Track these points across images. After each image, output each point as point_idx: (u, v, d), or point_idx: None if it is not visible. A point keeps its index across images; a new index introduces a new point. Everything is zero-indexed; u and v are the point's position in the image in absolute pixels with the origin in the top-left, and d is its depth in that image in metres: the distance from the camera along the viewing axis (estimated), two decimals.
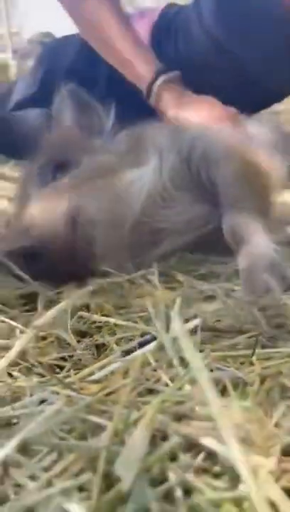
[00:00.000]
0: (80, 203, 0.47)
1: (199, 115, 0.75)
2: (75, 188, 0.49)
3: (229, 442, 0.19)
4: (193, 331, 0.32)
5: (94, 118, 0.60)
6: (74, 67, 1.15)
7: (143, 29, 1.28)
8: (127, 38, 0.94)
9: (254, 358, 0.28)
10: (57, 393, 0.28)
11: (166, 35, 1.24)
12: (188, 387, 0.25)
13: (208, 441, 0.19)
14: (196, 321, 0.30)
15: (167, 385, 0.26)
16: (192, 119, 0.76)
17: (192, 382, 0.25)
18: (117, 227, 0.48)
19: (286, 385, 0.24)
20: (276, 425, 0.21)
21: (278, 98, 1.33)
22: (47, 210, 0.45)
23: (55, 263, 0.42)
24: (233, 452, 0.18)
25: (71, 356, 0.35)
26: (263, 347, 0.32)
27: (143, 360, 0.27)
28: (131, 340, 0.36)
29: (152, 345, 0.29)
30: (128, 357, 0.29)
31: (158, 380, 0.27)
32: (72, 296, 0.39)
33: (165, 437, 0.21)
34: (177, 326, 0.29)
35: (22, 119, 1.36)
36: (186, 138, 0.59)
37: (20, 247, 0.42)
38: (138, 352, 0.29)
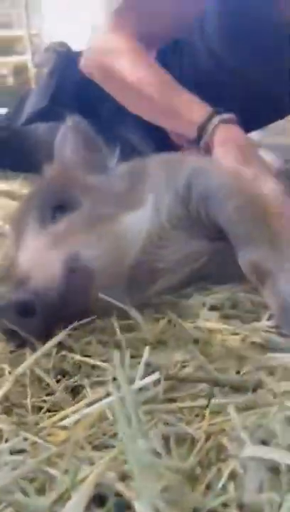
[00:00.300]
0: (78, 252, 0.47)
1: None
2: (74, 235, 0.49)
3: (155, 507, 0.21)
4: (157, 381, 0.35)
5: (98, 154, 0.61)
6: (85, 83, 1.17)
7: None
8: (171, 91, 0.92)
9: (207, 411, 0.31)
10: (26, 439, 0.31)
11: (172, 51, 1.26)
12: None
13: (138, 506, 0.22)
14: (156, 375, 0.32)
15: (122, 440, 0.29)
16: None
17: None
18: (115, 272, 0.49)
19: (224, 445, 0.26)
20: (208, 487, 0.24)
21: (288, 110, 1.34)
22: (44, 261, 0.46)
23: (48, 316, 0.42)
24: None
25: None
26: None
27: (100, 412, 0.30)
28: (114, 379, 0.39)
29: (110, 399, 0.32)
30: (86, 410, 0.32)
31: (114, 435, 0.29)
32: (55, 338, 0.42)
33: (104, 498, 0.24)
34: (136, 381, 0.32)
35: (32, 133, 1.41)
36: (183, 176, 0.60)
37: (14, 301, 0.41)
38: (97, 405, 0.32)
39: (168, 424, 0.30)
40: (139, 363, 0.37)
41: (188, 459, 0.25)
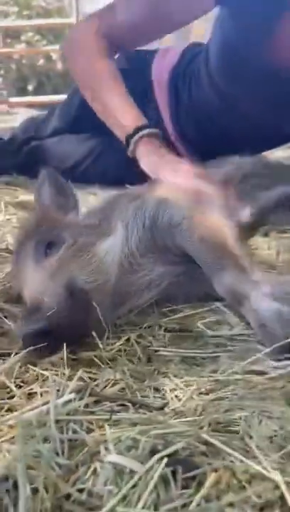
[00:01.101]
0: (73, 278, 0.58)
1: (175, 176, 0.87)
2: (66, 265, 0.60)
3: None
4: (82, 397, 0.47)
5: (68, 197, 0.74)
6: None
7: (164, 69, 1.39)
8: (115, 90, 1.05)
9: (107, 425, 0.42)
10: None
11: (182, 80, 1.35)
12: None
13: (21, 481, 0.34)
14: (72, 394, 0.44)
15: None
16: (168, 178, 0.87)
17: None
18: (103, 291, 0.60)
19: (99, 451, 0.38)
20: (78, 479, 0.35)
21: (286, 140, 1.42)
22: (48, 291, 0.56)
23: (61, 335, 0.53)
24: None
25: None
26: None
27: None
28: (58, 390, 0.51)
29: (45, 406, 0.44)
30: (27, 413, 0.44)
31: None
32: (17, 356, 0.54)
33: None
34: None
35: (57, 145, 1.54)
36: (148, 209, 0.70)
37: (38, 328, 0.52)
38: (34, 411, 0.44)
39: (75, 431, 0.41)
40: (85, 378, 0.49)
41: (72, 458, 0.37)
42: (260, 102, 1.17)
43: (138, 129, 0.97)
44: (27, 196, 1.33)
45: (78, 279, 0.58)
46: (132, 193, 0.76)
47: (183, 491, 0.34)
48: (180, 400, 0.49)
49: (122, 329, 0.64)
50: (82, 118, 1.46)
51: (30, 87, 13.91)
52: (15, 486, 0.34)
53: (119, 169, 1.48)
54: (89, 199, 1.33)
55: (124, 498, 0.33)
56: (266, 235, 1.05)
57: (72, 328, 0.55)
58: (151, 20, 1.05)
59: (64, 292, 0.55)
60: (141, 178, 1.47)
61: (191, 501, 0.33)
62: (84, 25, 1.13)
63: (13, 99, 8.14)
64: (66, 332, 0.54)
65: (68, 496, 0.34)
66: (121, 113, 1.01)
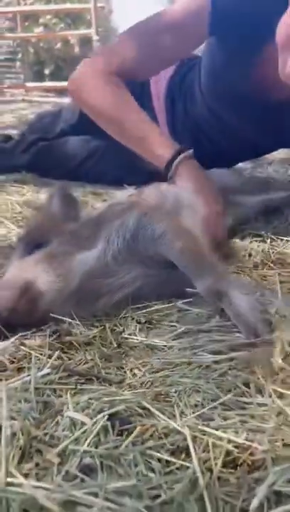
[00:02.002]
0: (34, 277, 0.72)
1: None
2: (36, 264, 0.75)
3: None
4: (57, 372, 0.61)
5: (73, 209, 0.87)
6: None
7: (161, 80, 1.50)
8: (140, 120, 1.11)
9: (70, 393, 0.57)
10: None
11: (178, 92, 1.47)
12: None
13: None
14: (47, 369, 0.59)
15: None
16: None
17: None
18: (62, 293, 0.74)
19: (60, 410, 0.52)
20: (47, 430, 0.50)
21: (268, 152, 1.56)
22: (11, 280, 0.72)
23: (5, 317, 0.68)
24: None
25: None
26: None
27: None
28: (38, 367, 0.65)
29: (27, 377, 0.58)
30: (13, 383, 0.59)
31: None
32: (12, 338, 0.69)
33: None
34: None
35: (63, 146, 1.67)
36: (131, 224, 0.83)
37: None
38: (19, 381, 0.58)
39: (48, 395, 0.56)
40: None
41: (43, 414, 0.52)
42: (244, 120, 1.29)
43: (176, 155, 1.03)
44: (34, 194, 1.47)
45: (40, 279, 0.72)
46: (119, 208, 0.89)
47: (118, 437, 0.49)
48: (135, 376, 0.63)
49: (99, 319, 0.79)
50: (85, 122, 1.59)
51: (46, 71, 13.88)
52: (0, 429, 0.49)
53: (120, 170, 1.61)
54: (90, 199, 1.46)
55: (76, 439, 0.48)
56: (243, 238, 1.18)
57: (18, 320, 0.70)
58: (155, 56, 1.13)
59: (16, 292, 0.70)
60: (139, 179, 1.61)
61: (122, 444, 0.48)
62: (93, 64, 1.16)
63: (30, 85, 8.23)
64: (13, 322, 0.69)
65: (36, 438, 0.48)
66: (152, 142, 1.06)
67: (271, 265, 1.04)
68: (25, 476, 0.44)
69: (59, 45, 11.93)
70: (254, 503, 0.41)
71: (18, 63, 10.64)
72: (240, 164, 1.77)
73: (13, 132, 1.94)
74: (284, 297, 0.78)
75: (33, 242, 0.80)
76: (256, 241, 1.15)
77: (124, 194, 1.19)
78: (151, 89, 1.52)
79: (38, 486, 0.43)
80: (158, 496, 0.43)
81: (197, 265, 0.78)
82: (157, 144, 1.08)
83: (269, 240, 1.15)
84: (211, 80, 1.28)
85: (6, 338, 0.68)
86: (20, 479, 0.43)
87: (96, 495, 0.42)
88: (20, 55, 10.29)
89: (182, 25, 1.11)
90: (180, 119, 1.49)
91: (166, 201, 0.97)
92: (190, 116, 1.44)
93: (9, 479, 0.43)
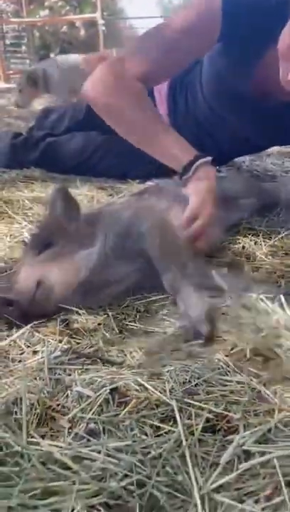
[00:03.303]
0: (46, 274, 0.83)
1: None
2: (47, 263, 0.85)
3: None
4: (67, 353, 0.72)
5: (73, 209, 0.96)
6: None
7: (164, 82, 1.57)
8: (160, 124, 1.16)
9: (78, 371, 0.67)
10: None
11: (179, 90, 1.54)
12: None
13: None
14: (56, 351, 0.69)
15: None
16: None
17: None
18: (69, 286, 0.85)
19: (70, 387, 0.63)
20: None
21: (266, 148, 1.64)
22: (27, 277, 0.82)
23: (24, 309, 0.79)
24: None
25: None
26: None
27: None
28: (51, 350, 0.76)
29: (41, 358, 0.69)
30: (29, 361, 0.69)
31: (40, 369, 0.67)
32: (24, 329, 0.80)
33: None
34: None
35: (70, 142, 1.76)
36: (124, 222, 0.94)
37: (5, 297, 0.80)
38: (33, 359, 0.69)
39: (59, 374, 0.67)
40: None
41: (55, 389, 0.62)
42: (243, 120, 1.37)
43: (194, 160, 1.08)
44: (42, 189, 1.57)
45: (50, 275, 0.82)
46: (115, 207, 0.98)
47: (117, 408, 0.59)
48: (133, 357, 0.74)
49: (104, 309, 0.89)
50: (91, 119, 1.66)
51: (52, 55, 13.77)
52: (21, 401, 0.60)
53: (123, 165, 1.70)
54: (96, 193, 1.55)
55: (82, 409, 0.59)
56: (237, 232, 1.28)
57: (34, 310, 0.80)
58: (172, 60, 1.17)
59: (33, 285, 0.81)
60: (142, 173, 1.70)
61: (120, 413, 0.58)
62: (113, 67, 1.17)
63: None
64: (30, 313, 0.80)
65: (50, 407, 0.59)
66: (171, 147, 1.11)
67: (263, 257, 1.13)
68: (42, 437, 0.55)
69: (64, 28, 11.84)
70: (224, 457, 0.52)
71: (23, 48, 10.60)
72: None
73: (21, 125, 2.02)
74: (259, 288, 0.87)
75: (42, 243, 0.90)
76: (249, 234, 1.25)
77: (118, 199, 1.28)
78: (155, 89, 1.59)
79: (52, 444, 0.53)
80: (148, 453, 0.54)
81: (166, 261, 0.89)
82: (175, 149, 1.12)
83: (261, 234, 1.24)
84: (213, 82, 1.35)
85: (21, 326, 0.79)
86: (38, 439, 0.54)
87: (99, 452, 0.53)
88: (25, 40, 10.25)
89: (196, 29, 1.15)
90: (182, 116, 1.56)
91: (161, 202, 1.07)
92: (191, 114, 1.52)
93: (30, 439, 0.54)
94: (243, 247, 1.19)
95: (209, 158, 1.10)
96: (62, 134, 1.76)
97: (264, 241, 1.21)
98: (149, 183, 1.58)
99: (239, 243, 1.21)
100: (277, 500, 0.47)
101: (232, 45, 1.22)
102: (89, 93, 1.18)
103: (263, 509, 0.47)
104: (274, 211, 1.37)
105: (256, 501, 0.48)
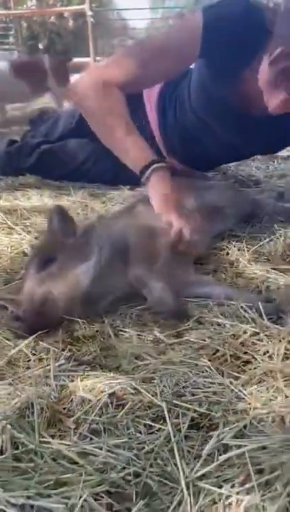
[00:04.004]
0: (50, 289, 0.91)
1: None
2: (50, 278, 0.93)
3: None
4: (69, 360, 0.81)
5: (69, 225, 1.05)
6: None
7: (153, 90, 1.65)
8: (129, 130, 1.26)
9: (80, 377, 0.77)
10: None
11: (169, 101, 1.62)
12: None
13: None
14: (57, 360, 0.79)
15: None
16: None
17: None
18: (72, 299, 0.93)
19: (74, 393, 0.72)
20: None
21: (251, 156, 1.75)
22: (32, 293, 0.90)
23: (30, 323, 0.88)
24: None
25: None
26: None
27: None
28: (55, 358, 0.85)
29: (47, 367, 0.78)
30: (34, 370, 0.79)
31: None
32: (30, 338, 0.89)
33: None
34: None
35: (63, 148, 1.83)
36: (116, 234, 1.03)
37: (14, 314, 0.89)
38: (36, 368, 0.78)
39: (64, 380, 0.76)
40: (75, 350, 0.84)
41: (61, 394, 0.72)
42: (228, 129, 1.46)
43: (148, 165, 1.19)
44: (38, 197, 1.65)
45: (54, 290, 0.91)
46: (106, 222, 1.08)
47: (115, 410, 0.69)
48: (129, 363, 0.83)
49: (101, 316, 0.98)
50: (83, 126, 1.74)
51: (41, 46, 13.59)
52: (32, 405, 0.69)
53: (115, 171, 1.78)
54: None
55: (85, 412, 0.68)
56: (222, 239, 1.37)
57: (40, 323, 0.89)
58: (153, 72, 1.27)
59: (39, 299, 0.89)
60: (133, 179, 1.78)
61: (118, 414, 0.68)
62: (95, 76, 1.27)
63: None
64: (36, 325, 0.89)
65: (58, 411, 0.69)
66: (134, 151, 1.23)
67: (246, 263, 1.23)
68: (52, 437, 0.65)
69: (53, 18, 11.73)
70: (206, 450, 0.62)
71: (11, 39, 10.48)
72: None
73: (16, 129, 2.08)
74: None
75: (43, 258, 0.99)
76: (233, 241, 1.34)
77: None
78: (144, 97, 1.67)
79: (61, 443, 0.63)
80: (143, 448, 0.63)
81: (138, 260, 1.01)
82: (136, 154, 1.24)
83: (244, 240, 1.33)
84: (199, 93, 1.44)
85: (26, 337, 0.88)
86: (49, 439, 0.64)
87: (100, 448, 0.63)
88: (13, 31, 10.14)
89: (176, 45, 1.25)
90: (171, 125, 1.65)
91: (148, 214, 1.16)
92: (180, 123, 1.61)
93: (41, 439, 0.64)
94: (227, 254, 1.29)
95: (163, 164, 1.21)
96: (56, 140, 1.83)
97: (247, 247, 1.30)
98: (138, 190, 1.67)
99: (224, 249, 1.30)
100: (249, 485, 0.57)
101: (213, 60, 1.30)
102: (73, 95, 1.30)
103: (237, 493, 0.57)
104: (257, 218, 1.47)
105: (232, 486, 0.58)
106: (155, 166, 1.21)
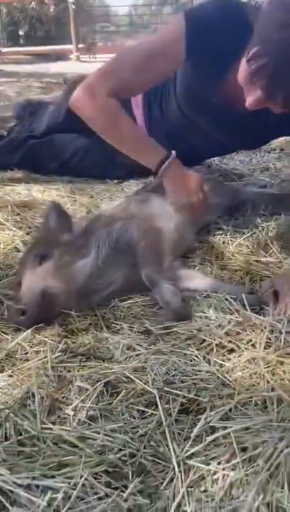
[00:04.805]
0: (49, 283, 0.95)
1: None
2: (48, 273, 0.97)
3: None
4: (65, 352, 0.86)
5: (66, 221, 1.09)
6: None
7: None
8: (135, 132, 1.34)
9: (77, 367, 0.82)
10: None
11: (154, 98, 1.66)
12: None
13: None
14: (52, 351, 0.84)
15: None
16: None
17: None
18: (68, 294, 0.98)
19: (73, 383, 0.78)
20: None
21: (235, 151, 1.81)
22: (33, 287, 0.94)
23: (32, 316, 0.91)
24: None
25: None
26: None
27: None
28: (52, 350, 0.90)
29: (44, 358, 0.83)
30: (31, 362, 0.84)
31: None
32: (27, 331, 0.93)
33: None
34: None
35: (51, 143, 1.85)
36: (114, 232, 1.08)
37: (16, 308, 0.92)
38: (34, 360, 0.83)
39: (61, 371, 0.81)
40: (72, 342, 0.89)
41: (59, 384, 0.77)
42: (212, 125, 1.51)
43: (164, 159, 1.27)
44: (27, 192, 1.67)
45: (52, 285, 0.95)
46: (104, 219, 1.13)
47: (110, 397, 0.75)
48: (121, 354, 0.89)
49: (93, 309, 1.03)
50: (70, 121, 1.76)
51: (21, 32, 13.31)
52: (33, 395, 0.74)
53: (101, 166, 1.82)
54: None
55: (83, 400, 0.74)
56: (208, 232, 1.43)
57: (39, 317, 0.94)
58: (142, 78, 1.31)
59: (39, 294, 0.93)
60: (120, 173, 1.82)
61: (113, 401, 0.74)
62: (90, 88, 1.31)
63: (5, 50, 8.03)
64: (35, 319, 0.93)
65: (57, 399, 0.74)
66: (146, 150, 1.30)
67: (230, 256, 1.29)
68: (53, 423, 0.70)
69: (33, 4, 11.50)
70: (194, 432, 0.68)
71: None
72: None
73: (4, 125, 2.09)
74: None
75: (39, 254, 1.03)
76: (218, 234, 1.40)
77: (109, 205, 1.41)
78: (131, 99, 1.70)
79: (61, 428, 0.68)
80: (137, 432, 0.69)
81: (147, 259, 1.05)
82: (148, 151, 1.30)
83: (229, 233, 1.39)
84: (184, 92, 1.49)
85: (24, 330, 0.92)
86: (50, 425, 0.69)
87: (98, 433, 0.68)
88: None
89: (162, 53, 1.29)
90: (157, 121, 1.69)
91: (146, 210, 1.21)
92: (165, 119, 1.65)
93: (43, 425, 0.69)
94: (212, 247, 1.34)
95: (174, 155, 1.29)
96: (43, 135, 1.84)
97: (231, 240, 1.36)
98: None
99: (209, 243, 1.36)
100: (233, 462, 0.64)
101: (197, 63, 1.34)
102: (74, 108, 1.33)
103: (223, 469, 0.63)
104: (241, 211, 1.53)
105: (219, 463, 0.64)
106: (170, 159, 1.28)
